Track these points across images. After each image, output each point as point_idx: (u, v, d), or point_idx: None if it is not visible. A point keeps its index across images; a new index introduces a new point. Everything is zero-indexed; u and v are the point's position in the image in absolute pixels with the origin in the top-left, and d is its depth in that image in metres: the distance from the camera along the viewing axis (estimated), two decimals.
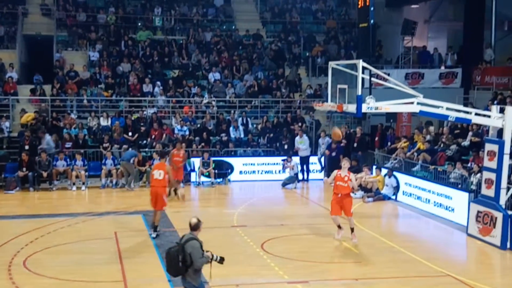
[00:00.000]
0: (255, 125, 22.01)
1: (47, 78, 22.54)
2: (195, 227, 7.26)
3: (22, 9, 24.61)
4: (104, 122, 20.66)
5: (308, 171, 19.71)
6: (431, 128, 18.98)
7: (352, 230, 12.23)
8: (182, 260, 7.01)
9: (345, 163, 12.34)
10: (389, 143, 19.41)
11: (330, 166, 18.83)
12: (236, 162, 19.87)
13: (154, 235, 12.37)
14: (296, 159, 19.27)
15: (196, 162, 19.05)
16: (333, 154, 19.07)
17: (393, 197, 16.91)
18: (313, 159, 20.03)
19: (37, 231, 12.78)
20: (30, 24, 24.59)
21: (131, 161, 18.04)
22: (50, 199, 16.84)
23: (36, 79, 22.51)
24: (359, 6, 22.64)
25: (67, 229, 13.17)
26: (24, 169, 17.55)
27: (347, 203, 12.14)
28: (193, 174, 19.04)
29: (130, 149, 18.76)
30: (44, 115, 20.24)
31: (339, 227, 12.37)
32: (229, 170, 19.61)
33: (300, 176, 19.42)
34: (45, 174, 17.64)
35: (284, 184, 18.78)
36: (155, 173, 12.33)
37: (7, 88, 21.30)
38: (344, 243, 12.18)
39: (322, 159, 20.06)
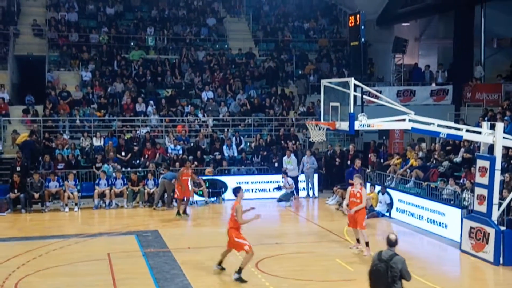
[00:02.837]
0: (248, 144, 22.03)
1: (39, 98, 22.46)
2: (395, 243, 7.44)
3: (14, 30, 24.63)
4: (97, 142, 20.61)
5: (297, 189, 19.52)
6: (423, 145, 19.09)
7: (367, 244, 12.53)
8: (391, 276, 7.16)
9: (357, 180, 12.90)
10: (382, 160, 19.47)
11: None
12: (230, 180, 19.80)
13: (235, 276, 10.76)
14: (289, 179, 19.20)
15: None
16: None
17: (387, 213, 16.91)
18: (302, 177, 19.90)
19: (29, 254, 12.64)
20: (21, 45, 24.59)
21: (172, 181, 17.79)
22: (42, 220, 16.68)
23: (28, 100, 22.45)
24: (350, 25, 22.76)
25: (59, 251, 13.04)
26: (16, 190, 17.42)
27: (360, 216, 12.66)
28: None
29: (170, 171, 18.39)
30: (37, 135, 20.16)
31: (357, 241, 12.88)
32: (223, 189, 19.56)
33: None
34: (37, 195, 17.51)
35: (280, 200, 18.72)
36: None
37: None
38: (337, 260, 12.13)
39: (303, 176, 19.82)
